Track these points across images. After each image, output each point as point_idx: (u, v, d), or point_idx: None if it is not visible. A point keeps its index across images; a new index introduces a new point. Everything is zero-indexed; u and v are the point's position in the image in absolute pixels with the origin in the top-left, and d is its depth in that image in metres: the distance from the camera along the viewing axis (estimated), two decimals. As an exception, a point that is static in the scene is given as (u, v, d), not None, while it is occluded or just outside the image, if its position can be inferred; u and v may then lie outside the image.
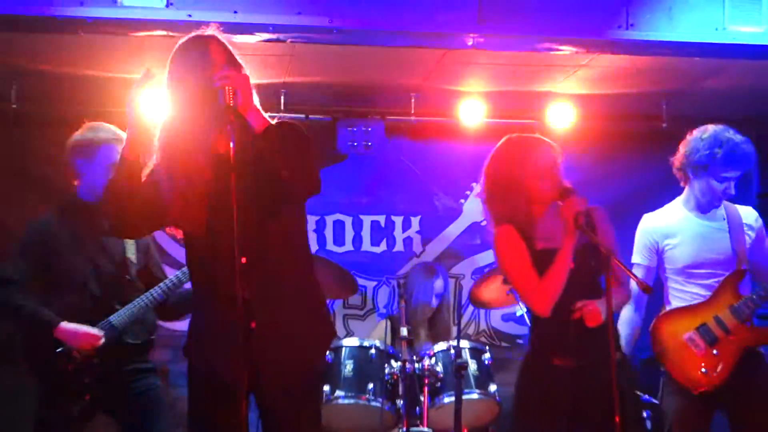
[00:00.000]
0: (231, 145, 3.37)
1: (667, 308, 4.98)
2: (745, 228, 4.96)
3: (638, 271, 4.93)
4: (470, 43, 5.15)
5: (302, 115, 6.71)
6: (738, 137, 4.84)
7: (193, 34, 3.66)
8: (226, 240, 3.36)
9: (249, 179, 3.49)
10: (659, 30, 5.07)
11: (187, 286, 4.70)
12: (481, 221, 7.35)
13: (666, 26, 5.07)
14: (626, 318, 4.99)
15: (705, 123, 5.06)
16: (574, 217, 3.94)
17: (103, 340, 4.68)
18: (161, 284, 4.80)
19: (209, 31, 3.67)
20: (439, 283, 6.40)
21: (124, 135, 4.69)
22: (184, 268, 4.49)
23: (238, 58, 3.62)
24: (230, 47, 3.62)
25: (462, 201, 7.42)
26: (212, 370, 3.65)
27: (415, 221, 7.39)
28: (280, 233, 3.70)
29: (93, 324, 4.69)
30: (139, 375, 4.84)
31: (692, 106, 6.58)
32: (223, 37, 3.65)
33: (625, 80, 6.45)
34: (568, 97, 6.79)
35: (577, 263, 4.04)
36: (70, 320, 4.65)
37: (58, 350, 4.64)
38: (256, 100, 3.50)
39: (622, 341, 4.82)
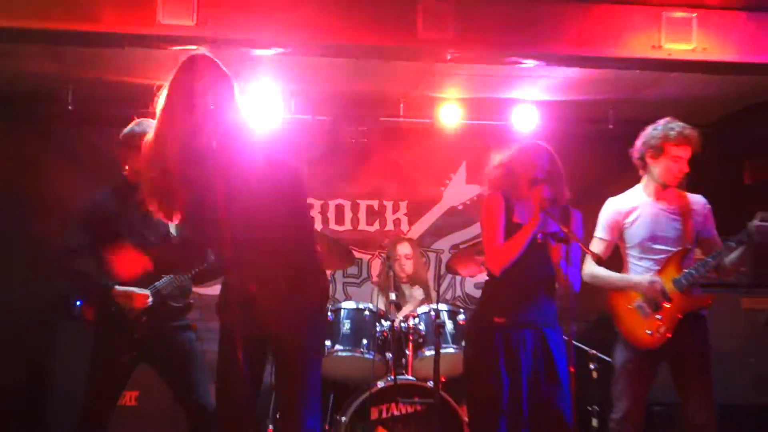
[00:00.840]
0: (213, 142, 3.43)
1: None
2: (693, 213, 4.99)
3: (601, 244, 4.98)
4: (449, 57, 5.16)
5: (309, 116, 6.73)
6: (689, 129, 4.89)
7: (188, 55, 3.65)
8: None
9: (235, 169, 3.51)
10: (605, 47, 5.07)
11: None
12: (458, 205, 7.40)
13: (609, 44, 5.07)
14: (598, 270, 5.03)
15: (646, 126, 5.11)
16: (540, 201, 3.99)
17: (150, 302, 4.72)
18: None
19: (201, 50, 3.68)
20: (419, 252, 6.41)
21: None
22: None
23: (225, 69, 3.59)
24: (218, 61, 3.60)
25: (442, 189, 7.44)
26: (228, 325, 3.70)
27: (402, 205, 7.40)
28: (273, 209, 3.75)
29: (142, 287, 4.72)
30: (179, 331, 4.86)
31: (634, 112, 6.57)
32: (211, 53, 3.65)
33: (577, 89, 6.47)
34: (531, 102, 6.79)
35: (537, 245, 4.08)
36: (123, 285, 4.69)
37: (112, 310, 4.70)
38: (241, 104, 3.56)
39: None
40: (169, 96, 3.62)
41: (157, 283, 4.73)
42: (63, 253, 4.78)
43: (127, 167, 4.86)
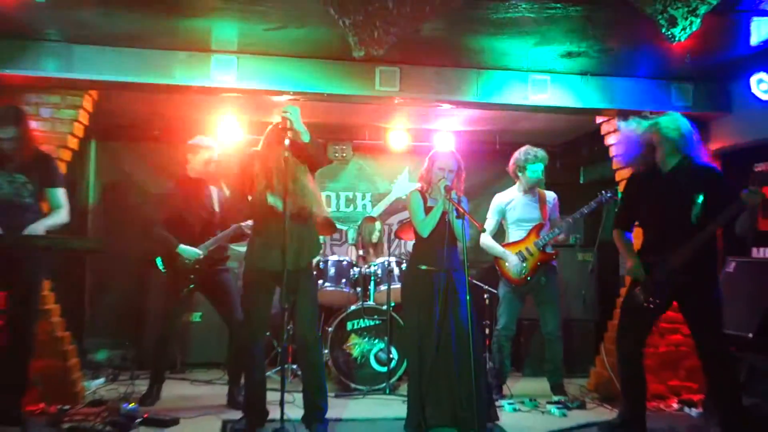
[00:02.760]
0: (286, 152, 3.73)
1: (503, 243, 5.10)
2: (547, 202, 5.12)
3: (491, 222, 5.11)
4: (396, 101, 5.15)
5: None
6: (540, 152, 5.07)
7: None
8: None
9: (293, 168, 3.80)
10: (492, 96, 5.09)
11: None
12: (402, 196, 7.41)
13: (496, 94, 5.08)
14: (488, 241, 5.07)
15: (519, 146, 5.18)
16: (445, 189, 4.05)
17: (202, 255, 4.70)
18: (232, 226, 4.82)
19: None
20: (378, 225, 6.42)
21: (214, 143, 4.80)
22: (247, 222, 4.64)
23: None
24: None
25: (392, 185, 7.42)
26: (262, 268, 3.85)
27: (368, 195, 7.36)
28: (306, 198, 3.92)
29: (196, 246, 4.72)
30: (220, 273, 4.90)
31: (512, 138, 6.62)
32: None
33: (477, 122, 6.49)
34: (448, 131, 6.80)
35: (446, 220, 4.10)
36: (184, 244, 4.69)
37: (178, 260, 4.68)
38: (301, 125, 3.75)
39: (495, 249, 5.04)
40: (268, 136, 3.97)
41: (206, 243, 4.75)
42: (147, 224, 4.80)
43: (188, 167, 4.88)
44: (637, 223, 4.16)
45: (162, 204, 4.85)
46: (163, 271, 4.79)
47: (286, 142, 3.72)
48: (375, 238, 6.38)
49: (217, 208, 4.90)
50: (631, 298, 3.99)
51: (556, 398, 4.93)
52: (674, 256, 3.78)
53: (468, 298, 3.85)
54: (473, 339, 3.80)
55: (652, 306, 3.87)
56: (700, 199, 3.72)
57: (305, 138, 3.76)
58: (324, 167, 4.15)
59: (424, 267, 4.13)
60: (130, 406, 4.35)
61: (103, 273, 6.58)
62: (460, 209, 3.94)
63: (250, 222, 4.45)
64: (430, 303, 4.06)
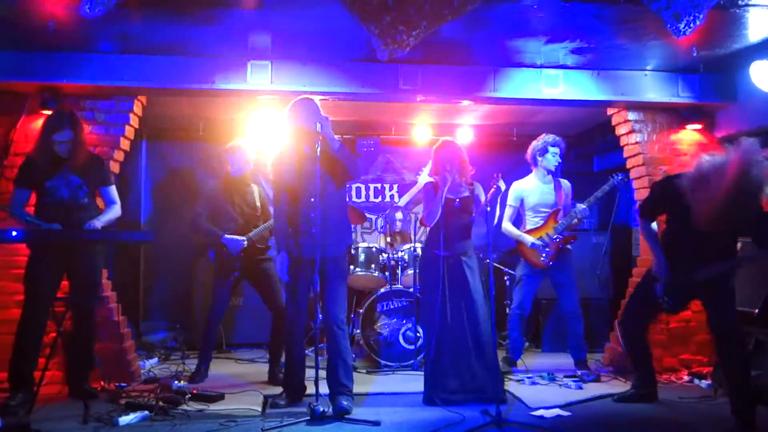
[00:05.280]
0: (317, 148, 3.78)
1: (522, 230, 5.06)
2: (563, 190, 5.07)
3: (510, 209, 5.08)
4: (418, 99, 5.13)
5: (339, 136, 6.68)
6: (557, 137, 5.04)
7: (302, 97, 4.03)
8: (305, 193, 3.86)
9: (323, 169, 3.83)
10: (507, 92, 5.04)
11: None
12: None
13: (512, 90, 5.04)
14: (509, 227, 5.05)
15: (534, 137, 5.14)
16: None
17: (245, 245, 4.74)
18: (272, 219, 4.87)
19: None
20: (399, 215, 6.41)
21: (250, 145, 4.83)
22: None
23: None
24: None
25: (417, 176, 7.32)
26: (296, 253, 3.95)
27: (395, 186, 7.34)
28: (333, 190, 3.98)
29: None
30: (262, 262, 4.92)
31: (528, 129, 6.56)
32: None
33: (495, 117, 6.44)
34: (468, 125, 6.75)
35: (456, 207, 4.17)
36: (229, 235, 4.74)
37: (224, 250, 4.71)
38: (332, 132, 3.86)
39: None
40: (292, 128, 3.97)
41: (249, 234, 4.78)
42: (193, 216, 4.85)
43: (228, 167, 4.92)
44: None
45: (208, 200, 4.90)
46: (212, 262, 4.87)
47: (318, 149, 3.77)
48: (398, 226, 6.37)
49: (258, 204, 4.96)
50: (649, 287, 3.96)
51: (578, 371, 4.88)
52: (702, 271, 3.68)
53: (473, 280, 4.05)
54: (480, 319, 4.02)
55: (665, 306, 3.88)
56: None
57: (335, 145, 3.85)
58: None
59: (435, 252, 4.24)
60: (181, 383, 4.43)
61: (156, 262, 6.70)
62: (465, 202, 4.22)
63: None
64: (436, 285, 4.18)
